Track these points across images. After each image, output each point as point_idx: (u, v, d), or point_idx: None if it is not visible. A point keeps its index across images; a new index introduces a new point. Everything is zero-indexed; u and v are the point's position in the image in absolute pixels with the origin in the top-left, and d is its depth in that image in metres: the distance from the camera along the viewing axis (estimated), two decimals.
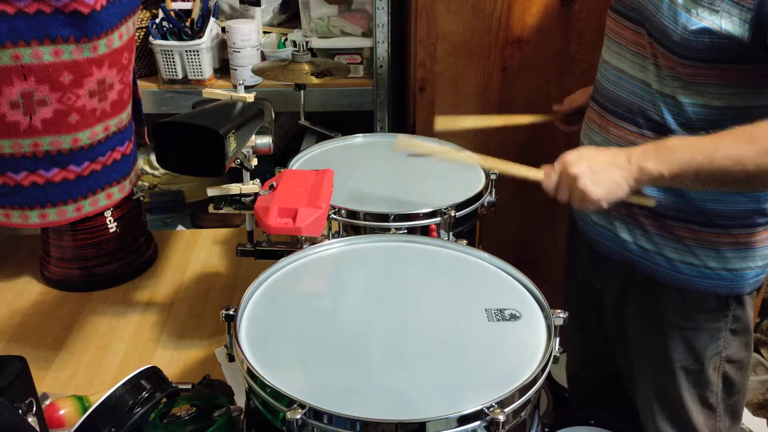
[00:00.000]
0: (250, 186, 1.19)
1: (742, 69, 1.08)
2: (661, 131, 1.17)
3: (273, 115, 1.29)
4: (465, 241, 1.15)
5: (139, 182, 1.61)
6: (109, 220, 1.52)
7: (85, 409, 1.09)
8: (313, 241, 1.17)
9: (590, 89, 1.38)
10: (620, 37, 1.23)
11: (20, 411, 0.93)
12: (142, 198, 1.63)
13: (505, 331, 0.95)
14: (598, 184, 1.07)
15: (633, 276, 1.31)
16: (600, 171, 1.08)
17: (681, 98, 1.14)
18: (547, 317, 0.96)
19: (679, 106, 1.15)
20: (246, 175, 1.19)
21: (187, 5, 2.00)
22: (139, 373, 1.05)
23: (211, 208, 1.22)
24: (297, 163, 1.48)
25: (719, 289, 1.23)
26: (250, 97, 1.15)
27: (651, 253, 1.26)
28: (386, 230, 1.24)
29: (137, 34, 1.85)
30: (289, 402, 0.80)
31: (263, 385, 0.83)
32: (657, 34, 1.13)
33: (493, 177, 1.39)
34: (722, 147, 1.03)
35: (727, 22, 1.04)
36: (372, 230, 1.25)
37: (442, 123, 1.46)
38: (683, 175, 1.05)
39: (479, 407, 0.79)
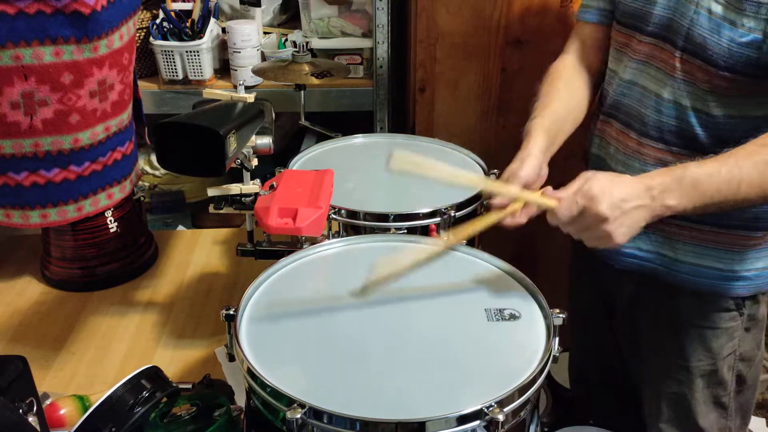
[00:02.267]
0: (251, 186, 1.19)
1: None
2: (691, 146, 1.15)
3: (273, 116, 1.29)
4: (465, 241, 1.15)
5: (140, 182, 1.61)
6: (110, 220, 1.52)
7: (85, 409, 1.09)
8: (313, 241, 1.17)
9: (519, 175, 1.14)
10: (636, 52, 1.20)
11: (21, 411, 0.93)
12: (142, 198, 1.63)
13: (504, 331, 0.95)
14: (624, 227, 0.97)
15: (647, 279, 1.29)
16: (629, 212, 0.97)
17: (715, 112, 1.12)
18: (546, 317, 0.96)
19: (713, 119, 1.13)
20: (246, 175, 1.19)
21: (187, 6, 2.00)
22: (140, 372, 1.05)
23: (211, 208, 1.22)
24: (297, 163, 1.48)
25: (740, 289, 1.22)
26: (251, 98, 1.15)
27: (671, 260, 1.24)
28: (386, 230, 1.24)
29: (138, 34, 1.85)
30: (289, 401, 0.80)
31: (263, 384, 0.83)
32: (693, 48, 1.10)
33: (492, 177, 1.39)
34: (744, 175, 0.99)
35: None
36: (372, 230, 1.25)
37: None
38: (707, 207, 1.01)
39: (479, 407, 0.79)
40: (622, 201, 0.97)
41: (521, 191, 1.08)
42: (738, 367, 1.29)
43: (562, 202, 0.99)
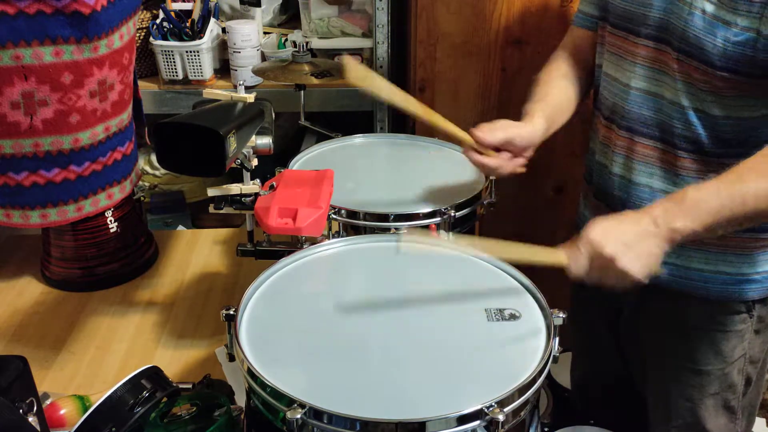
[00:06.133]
0: (251, 186, 1.19)
1: None
2: (695, 148, 1.15)
3: (273, 116, 1.29)
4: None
5: (140, 182, 1.61)
6: (110, 220, 1.52)
7: (85, 409, 1.09)
8: (313, 241, 1.17)
9: (515, 125, 1.24)
10: (631, 54, 1.19)
11: (21, 411, 0.93)
12: (142, 198, 1.63)
13: (504, 330, 0.95)
14: (636, 261, 0.98)
15: (653, 286, 1.24)
16: (635, 245, 0.99)
17: (714, 111, 1.11)
18: (546, 317, 0.96)
19: (712, 119, 1.12)
20: (246, 175, 1.19)
21: (187, 6, 2.00)
22: (140, 372, 1.05)
23: (211, 208, 1.22)
24: (297, 163, 1.48)
25: (750, 293, 1.21)
26: (251, 98, 1.15)
27: (681, 269, 1.22)
28: (386, 230, 1.24)
29: (138, 34, 1.85)
30: (289, 401, 0.80)
31: (263, 384, 0.83)
32: (689, 49, 1.09)
33: (492, 177, 1.39)
34: (750, 188, 0.99)
35: None
36: (372, 230, 1.25)
37: (354, 74, 1.13)
38: (716, 225, 1.00)
39: (479, 407, 0.79)
40: (624, 236, 0.99)
41: (532, 249, 1.04)
42: (747, 370, 1.27)
43: (568, 255, 1.01)
